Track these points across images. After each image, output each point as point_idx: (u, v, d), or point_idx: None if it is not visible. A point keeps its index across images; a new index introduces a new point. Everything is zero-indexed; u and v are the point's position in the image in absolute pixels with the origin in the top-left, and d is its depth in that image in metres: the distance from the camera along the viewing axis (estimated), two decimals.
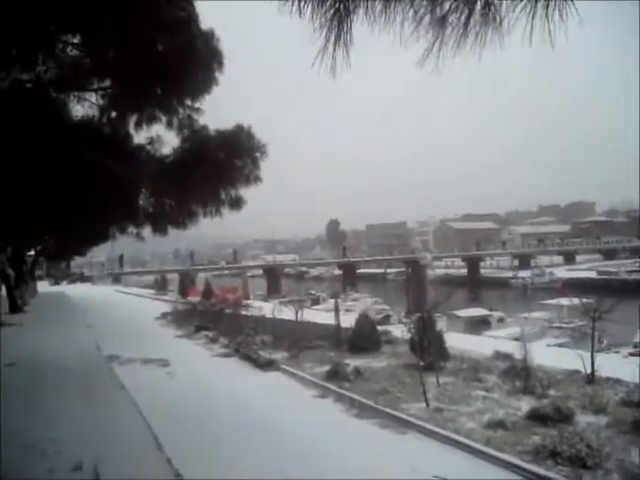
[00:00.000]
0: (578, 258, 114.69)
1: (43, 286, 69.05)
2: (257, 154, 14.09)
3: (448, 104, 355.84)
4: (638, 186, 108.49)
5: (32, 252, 45.12)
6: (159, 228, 16.91)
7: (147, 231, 18.36)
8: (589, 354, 14.13)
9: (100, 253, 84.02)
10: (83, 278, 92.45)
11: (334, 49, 3.11)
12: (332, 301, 30.93)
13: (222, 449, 9.58)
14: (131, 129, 13.97)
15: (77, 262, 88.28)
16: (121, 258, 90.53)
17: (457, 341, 18.74)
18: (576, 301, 23.10)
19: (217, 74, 12.70)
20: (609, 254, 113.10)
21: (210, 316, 28.44)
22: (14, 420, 9.96)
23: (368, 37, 3.01)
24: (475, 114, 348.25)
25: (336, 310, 22.63)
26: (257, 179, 14.38)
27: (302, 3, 3.02)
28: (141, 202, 16.22)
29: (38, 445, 8.48)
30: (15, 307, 33.52)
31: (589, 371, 13.89)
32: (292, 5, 3.00)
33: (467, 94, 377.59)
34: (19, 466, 7.56)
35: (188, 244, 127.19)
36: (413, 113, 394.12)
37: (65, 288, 74.21)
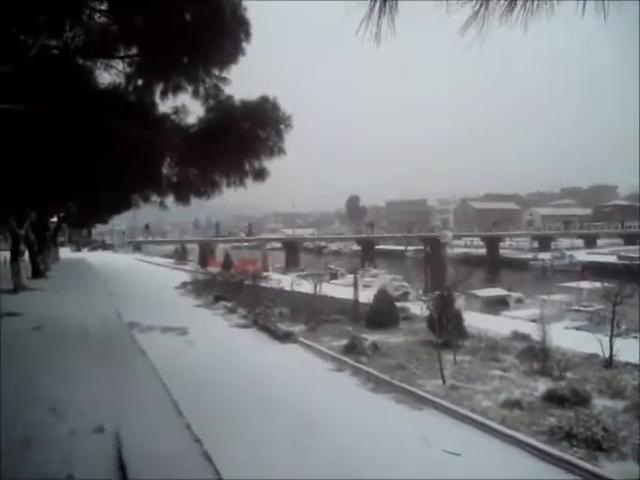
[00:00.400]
0: (599, 242, 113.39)
1: (65, 252, 69.75)
2: (282, 126, 14.04)
3: (485, 79, 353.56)
4: None
5: (55, 218, 45.49)
6: (182, 197, 16.96)
7: (169, 200, 18.46)
8: (607, 338, 14.06)
9: (121, 221, 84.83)
10: (104, 246, 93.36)
11: (379, 16, 2.97)
12: (350, 276, 31.05)
13: (239, 417, 9.71)
14: (157, 98, 13.97)
15: (99, 230, 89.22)
16: (147, 227, 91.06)
17: (475, 320, 18.71)
18: (597, 285, 22.94)
19: (244, 44, 12.61)
20: (631, 239, 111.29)
21: (229, 287, 28.66)
22: (41, 382, 10.17)
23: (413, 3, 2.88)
24: (511, 89, 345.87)
25: (355, 285, 22.71)
26: (281, 151, 14.33)
27: None
28: (165, 171, 16.26)
29: (61, 407, 8.64)
30: (37, 272, 33.90)
31: (607, 355, 13.82)
32: None
33: (508, 67, 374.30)
34: (43, 427, 7.72)
35: (209, 215, 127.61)
36: (451, 86, 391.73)
37: (86, 255, 74.92)
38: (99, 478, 6.09)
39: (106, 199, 25.40)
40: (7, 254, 29.68)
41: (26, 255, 32.85)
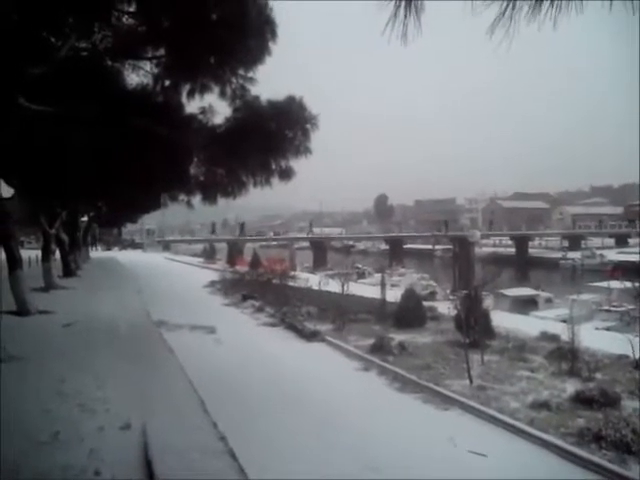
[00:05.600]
0: (630, 241, 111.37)
1: (95, 252, 70.57)
2: (308, 125, 14.08)
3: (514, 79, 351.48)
4: None
5: (85, 218, 46.02)
6: (209, 197, 17.14)
7: (197, 200, 18.67)
8: (638, 338, 13.81)
9: (151, 220, 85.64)
10: (134, 245, 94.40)
11: (405, 15, 2.93)
12: (378, 275, 30.89)
13: (266, 415, 9.73)
14: (184, 98, 14.10)
15: (129, 229, 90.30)
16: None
17: (503, 320, 18.50)
18: (627, 284, 22.56)
19: (270, 44, 12.65)
20: None
21: (257, 286, 28.73)
22: (70, 379, 10.32)
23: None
24: (539, 89, 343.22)
25: (382, 284, 22.62)
26: (307, 150, 14.38)
27: None
28: (192, 171, 16.43)
29: (90, 404, 8.76)
30: (68, 271, 34.28)
31: (638, 356, 13.59)
32: None
33: (536, 66, 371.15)
34: (72, 423, 7.83)
35: (237, 214, 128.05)
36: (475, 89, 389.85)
37: (116, 254, 75.68)
38: (124, 472, 6.15)
39: (135, 198, 25.72)
40: (39, 253, 30.10)
41: (57, 254, 33.26)
